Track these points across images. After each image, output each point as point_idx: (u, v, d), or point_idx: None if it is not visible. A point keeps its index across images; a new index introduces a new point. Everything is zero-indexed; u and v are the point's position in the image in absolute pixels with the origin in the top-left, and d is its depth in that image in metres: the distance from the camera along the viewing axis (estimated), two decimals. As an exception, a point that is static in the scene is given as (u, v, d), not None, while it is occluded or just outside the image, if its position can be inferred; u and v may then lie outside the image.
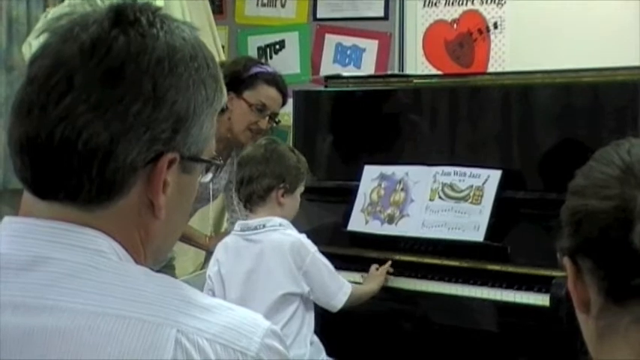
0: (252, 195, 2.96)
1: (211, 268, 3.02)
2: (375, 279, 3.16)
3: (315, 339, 2.93)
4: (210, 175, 1.14)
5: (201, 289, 2.90)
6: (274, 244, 2.88)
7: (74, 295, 0.94)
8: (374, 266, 3.21)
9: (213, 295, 2.93)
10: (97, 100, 0.96)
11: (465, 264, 3.13)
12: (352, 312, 2.95)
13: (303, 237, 2.92)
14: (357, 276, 3.17)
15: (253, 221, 2.95)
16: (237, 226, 3.00)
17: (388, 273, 3.19)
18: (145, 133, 0.98)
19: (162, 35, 1.02)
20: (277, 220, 2.92)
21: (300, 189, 3.02)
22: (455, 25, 4.87)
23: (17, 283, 0.96)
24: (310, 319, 2.92)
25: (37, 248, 0.97)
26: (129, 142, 0.97)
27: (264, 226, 2.91)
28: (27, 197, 1.02)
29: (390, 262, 3.20)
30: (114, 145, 0.97)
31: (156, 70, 0.99)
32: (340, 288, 2.93)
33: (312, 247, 2.90)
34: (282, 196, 2.95)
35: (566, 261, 1.04)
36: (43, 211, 1.00)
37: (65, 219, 0.99)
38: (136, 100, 0.97)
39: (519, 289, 2.97)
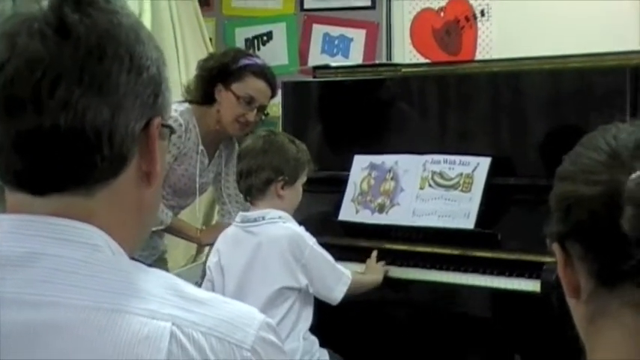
0: (251, 188, 2.96)
1: (211, 259, 3.03)
2: (376, 270, 3.17)
3: (308, 334, 2.93)
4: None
5: (194, 282, 2.90)
6: (272, 236, 2.87)
7: (70, 291, 0.95)
8: (374, 253, 3.22)
9: (213, 285, 2.94)
10: (90, 79, 0.98)
11: (455, 251, 3.13)
12: (344, 301, 2.95)
13: (301, 230, 2.91)
14: (349, 265, 3.17)
15: (253, 213, 2.95)
16: (238, 217, 3.00)
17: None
18: (135, 101, 1.01)
19: (119, 9, 1.05)
20: (277, 212, 2.91)
21: (302, 180, 3.01)
22: (442, 13, 4.88)
23: (14, 279, 0.96)
24: (307, 314, 2.92)
25: (32, 244, 0.98)
26: (126, 113, 1.00)
27: (263, 218, 2.91)
28: (18, 198, 1.01)
29: (375, 252, 3.22)
30: (115, 119, 0.99)
31: (129, 41, 1.02)
32: (339, 279, 2.93)
33: (310, 240, 2.89)
34: (282, 188, 2.94)
35: (555, 247, 1.05)
36: (38, 208, 1.00)
37: (62, 213, 1.00)
38: (120, 72, 1.00)
39: (510, 275, 2.99)
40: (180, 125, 3.38)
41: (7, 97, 0.98)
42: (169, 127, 1.10)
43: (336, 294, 2.92)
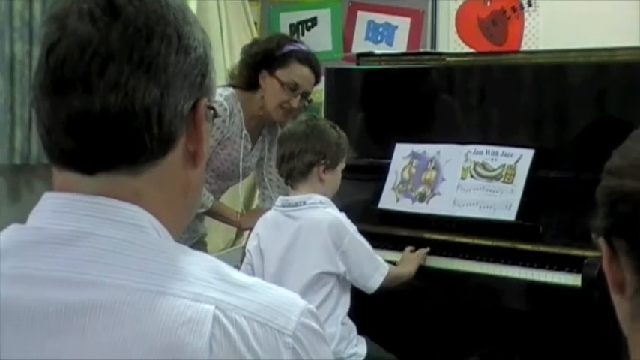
0: (292, 171, 2.97)
1: (251, 242, 3.05)
2: (411, 262, 3.16)
3: (347, 319, 2.94)
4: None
5: (233, 266, 2.92)
6: (313, 222, 2.88)
7: (115, 271, 0.95)
8: (408, 248, 3.22)
9: (252, 269, 2.96)
10: (139, 59, 0.99)
11: (496, 243, 3.12)
12: (383, 290, 2.95)
13: (342, 216, 2.92)
14: (387, 254, 3.17)
15: (294, 198, 2.96)
16: (278, 201, 3.01)
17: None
18: (184, 81, 1.03)
19: None
20: (318, 197, 2.92)
21: (342, 165, 3.02)
22: (488, 3, 4.84)
23: (59, 257, 0.97)
24: (345, 300, 2.93)
25: (80, 223, 0.99)
26: (175, 92, 1.01)
27: (304, 203, 2.92)
28: (65, 177, 1.02)
29: (427, 249, 3.21)
30: (165, 98, 1.00)
31: (177, 21, 1.03)
32: (377, 269, 2.93)
33: (351, 227, 2.90)
34: (324, 172, 2.95)
35: (601, 241, 1.04)
36: (86, 187, 1.01)
37: (109, 193, 1.00)
38: (169, 52, 1.01)
39: (551, 268, 2.97)
40: (225, 109, 3.40)
41: (57, 78, 1.00)
42: (213, 109, 1.11)
43: (372, 283, 2.92)
